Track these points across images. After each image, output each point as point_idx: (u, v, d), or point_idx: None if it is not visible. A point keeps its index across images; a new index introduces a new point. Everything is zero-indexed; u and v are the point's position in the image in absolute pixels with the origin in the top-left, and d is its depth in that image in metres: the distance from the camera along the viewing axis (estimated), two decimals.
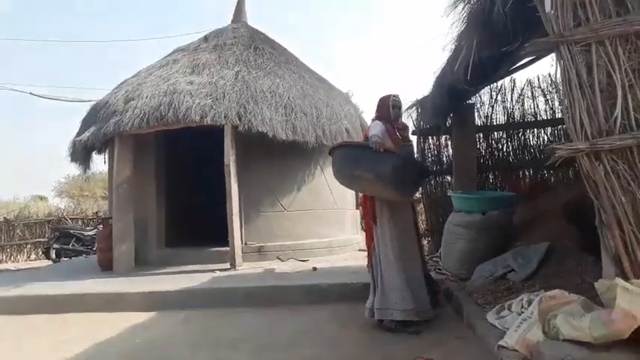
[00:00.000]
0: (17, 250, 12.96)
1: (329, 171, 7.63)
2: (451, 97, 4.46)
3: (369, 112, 10.48)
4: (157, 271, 6.21)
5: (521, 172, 5.95)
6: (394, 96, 3.62)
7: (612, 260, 2.12)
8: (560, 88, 2.20)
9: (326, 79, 8.21)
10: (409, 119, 5.84)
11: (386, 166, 3.00)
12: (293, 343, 3.30)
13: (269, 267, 6.16)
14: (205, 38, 7.90)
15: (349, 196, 8.24)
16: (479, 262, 4.43)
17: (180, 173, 7.70)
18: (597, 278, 3.32)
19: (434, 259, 5.32)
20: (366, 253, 5.99)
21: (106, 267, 6.51)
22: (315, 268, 5.79)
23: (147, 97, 6.16)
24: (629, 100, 2.07)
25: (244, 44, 7.65)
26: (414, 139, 6.02)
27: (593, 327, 2.08)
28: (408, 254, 3.38)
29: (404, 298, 3.23)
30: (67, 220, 13.16)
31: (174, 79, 6.48)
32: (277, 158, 6.80)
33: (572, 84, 2.14)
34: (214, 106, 6.00)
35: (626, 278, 2.10)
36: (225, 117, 5.96)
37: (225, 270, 6.05)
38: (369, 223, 3.49)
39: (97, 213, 13.70)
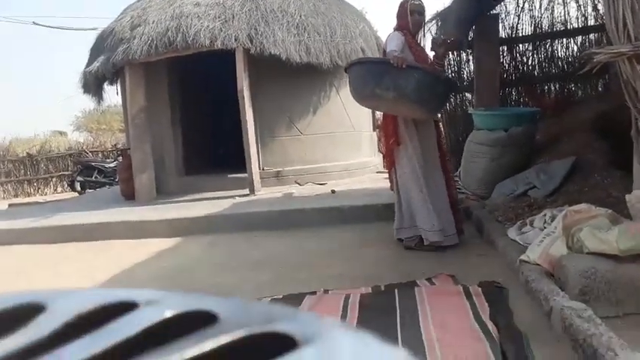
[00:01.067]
0: (44, 184, 13.39)
1: (345, 92, 7.44)
2: (475, 7, 4.15)
3: (383, 32, 9.97)
4: (178, 199, 6.34)
5: (546, 86, 5.68)
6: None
7: None
8: None
9: None
10: (429, 33, 5.52)
11: (409, 84, 2.82)
12: (315, 263, 3.38)
13: (287, 191, 6.21)
14: None
15: (366, 117, 8.08)
16: (500, 180, 4.38)
17: (195, 99, 7.59)
18: (625, 193, 3.27)
19: (454, 178, 5.27)
20: (385, 175, 5.97)
21: (129, 196, 6.67)
22: (333, 191, 5.83)
23: (153, 23, 5.92)
24: None
25: None
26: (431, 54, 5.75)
27: (621, 239, 2.04)
28: (432, 175, 3.27)
29: (432, 219, 3.17)
30: (87, 153, 13.39)
31: (179, 2, 6.17)
32: (291, 80, 6.61)
33: None
34: (224, 29, 5.74)
35: None
36: (235, 40, 5.72)
37: (245, 196, 6.13)
38: (388, 144, 3.35)
39: (115, 145, 13.88)
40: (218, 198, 6.18)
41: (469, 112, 4.83)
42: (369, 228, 4.27)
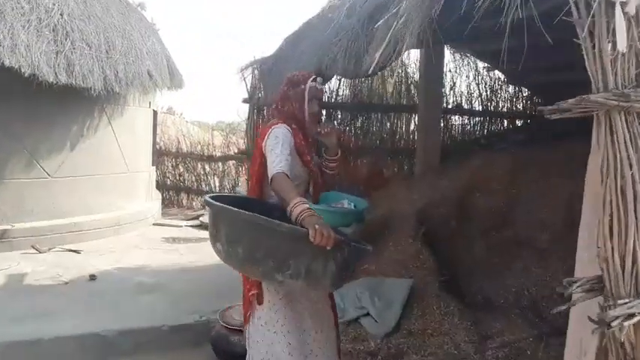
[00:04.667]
0: None
1: (120, 122, 5.70)
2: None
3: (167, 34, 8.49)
4: None
5: (360, 159, 5.26)
6: (314, 79, 2.03)
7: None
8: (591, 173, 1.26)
9: None
10: (242, 83, 4.44)
11: (329, 268, 1.59)
12: None
13: (14, 269, 4.17)
14: None
15: (145, 153, 6.46)
16: None
17: None
18: (468, 339, 2.86)
19: None
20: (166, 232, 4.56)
21: None
22: (93, 277, 4.09)
23: None
24: None
25: None
26: (245, 108, 4.70)
27: None
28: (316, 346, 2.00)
29: None
30: None
31: None
32: (40, 104, 4.59)
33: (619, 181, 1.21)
34: None
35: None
36: None
37: None
38: (246, 292, 2.02)
39: None
40: None
41: None
42: None
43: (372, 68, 2.10)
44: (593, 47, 1.28)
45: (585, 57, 1.30)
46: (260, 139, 2.05)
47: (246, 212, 1.62)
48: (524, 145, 4.68)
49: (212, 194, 1.92)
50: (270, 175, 1.84)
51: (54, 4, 4.49)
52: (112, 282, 3.99)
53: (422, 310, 3.18)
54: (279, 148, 1.88)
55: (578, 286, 1.32)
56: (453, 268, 3.74)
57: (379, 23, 2.11)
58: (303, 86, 2.04)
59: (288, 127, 1.99)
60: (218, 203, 1.72)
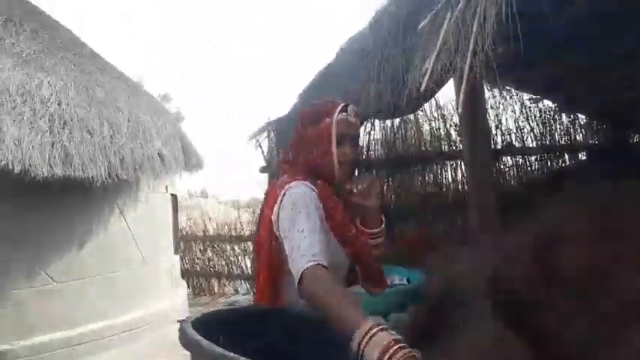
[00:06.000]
0: None
1: (133, 212, 5.20)
2: None
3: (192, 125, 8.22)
4: None
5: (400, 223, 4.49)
6: (344, 108, 1.35)
7: None
8: None
9: (128, 76, 5.68)
10: (258, 149, 3.87)
11: None
12: None
13: None
14: None
15: (164, 242, 5.89)
16: None
17: None
18: None
19: None
20: None
21: None
22: None
23: None
24: None
25: None
26: (263, 179, 4.10)
27: None
28: None
29: None
30: None
31: None
32: (38, 201, 4.14)
33: None
34: None
35: None
36: None
37: None
38: None
39: None
40: None
41: None
42: None
43: (424, 84, 1.42)
44: None
45: None
46: (267, 206, 1.33)
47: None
48: (605, 179, 3.84)
49: (195, 316, 1.10)
50: (297, 273, 1.11)
51: (51, 94, 4.18)
52: None
53: None
54: (303, 223, 1.16)
55: None
56: (552, 353, 2.83)
57: (423, 23, 1.47)
58: (328, 119, 1.33)
59: (311, 185, 1.27)
60: (215, 347, 0.87)
